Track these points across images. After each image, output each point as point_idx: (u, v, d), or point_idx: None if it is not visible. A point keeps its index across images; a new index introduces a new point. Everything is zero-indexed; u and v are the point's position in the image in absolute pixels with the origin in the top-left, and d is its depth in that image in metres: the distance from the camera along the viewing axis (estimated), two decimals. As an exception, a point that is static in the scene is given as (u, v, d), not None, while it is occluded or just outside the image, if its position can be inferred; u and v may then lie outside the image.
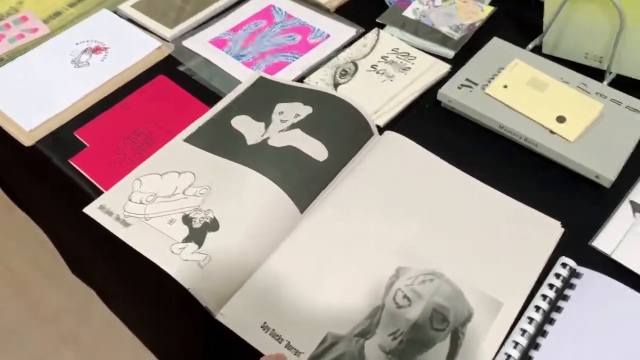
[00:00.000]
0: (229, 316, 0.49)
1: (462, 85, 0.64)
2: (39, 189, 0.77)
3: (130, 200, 0.56)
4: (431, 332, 0.47)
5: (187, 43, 0.74)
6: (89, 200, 0.58)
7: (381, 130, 0.63)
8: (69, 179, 0.61)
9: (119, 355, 1.21)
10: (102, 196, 0.58)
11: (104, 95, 0.69)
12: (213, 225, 0.52)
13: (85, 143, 0.63)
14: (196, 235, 0.51)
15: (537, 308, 0.47)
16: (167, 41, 0.75)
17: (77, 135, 0.64)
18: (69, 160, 0.62)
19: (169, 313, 0.66)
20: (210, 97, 0.68)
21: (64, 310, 1.27)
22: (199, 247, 0.50)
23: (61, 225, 0.86)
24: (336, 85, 0.67)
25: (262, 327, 0.48)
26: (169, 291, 0.53)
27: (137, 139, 0.63)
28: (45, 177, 0.70)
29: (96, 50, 0.74)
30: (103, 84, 0.69)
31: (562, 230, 0.53)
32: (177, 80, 0.70)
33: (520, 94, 0.62)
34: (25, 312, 1.27)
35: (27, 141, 0.64)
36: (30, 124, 0.65)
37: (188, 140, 0.62)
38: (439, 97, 0.64)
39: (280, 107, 0.63)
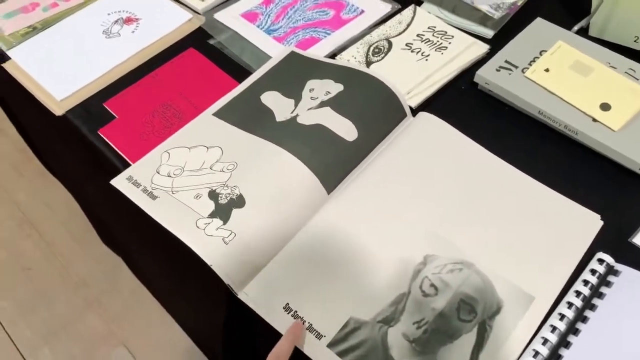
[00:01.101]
0: (252, 295, 0.48)
1: (501, 67, 0.61)
2: (69, 158, 0.78)
3: (158, 172, 0.56)
4: (457, 322, 0.45)
5: (218, 16, 0.73)
6: (117, 171, 0.58)
7: (414, 111, 0.61)
8: (97, 150, 0.62)
9: (143, 321, 1.23)
10: (130, 168, 0.57)
11: (134, 67, 0.68)
12: (239, 201, 0.51)
13: (114, 114, 0.63)
14: (222, 211, 0.51)
15: (570, 305, 0.45)
16: (199, 13, 0.74)
17: (106, 107, 0.64)
18: (98, 132, 0.62)
19: (194, 287, 0.66)
20: (240, 71, 0.67)
21: (92, 276, 1.30)
22: (224, 223, 0.50)
23: (91, 194, 0.87)
24: (369, 63, 0.65)
25: (284, 308, 0.47)
26: (194, 266, 0.53)
27: (166, 112, 0.63)
28: (75, 147, 0.70)
29: (127, 21, 0.73)
30: (133, 55, 0.69)
31: (602, 223, 0.50)
32: (207, 54, 0.69)
33: (563, 78, 0.59)
34: (53, 276, 1.30)
35: (58, 110, 0.64)
36: (61, 93, 0.65)
37: (217, 114, 0.61)
38: (476, 79, 0.62)
39: (311, 83, 0.62)
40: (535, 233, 0.50)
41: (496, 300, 0.46)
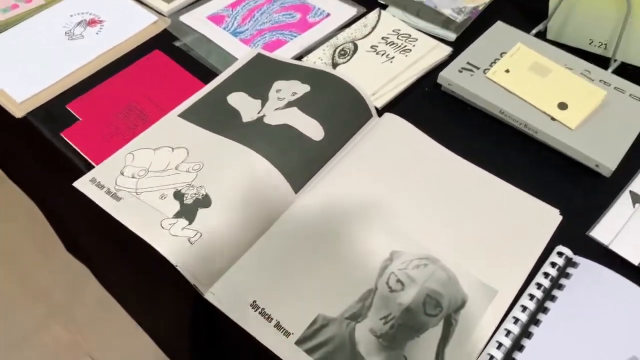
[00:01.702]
0: (218, 295, 0.48)
1: (463, 68, 0.63)
2: (31, 162, 0.76)
3: (122, 174, 0.55)
4: (423, 317, 0.46)
5: (184, 18, 0.73)
6: (80, 174, 0.57)
7: (380, 112, 0.62)
8: (60, 152, 0.60)
9: (110, 331, 1.21)
10: (93, 170, 0.56)
11: (98, 68, 0.67)
12: (205, 201, 0.51)
13: (78, 117, 0.62)
14: (187, 211, 0.50)
15: (531, 297, 0.46)
16: (164, 16, 0.73)
17: (69, 109, 0.63)
18: (61, 134, 0.61)
19: (161, 290, 0.65)
20: (206, 73, 0.66)
21: (55, 286, 1.27)
22: (190, 223, 0.49)
23: (54, 199, 0.85)
24: (335, 64, 0.66)
25: (251, 305, 0.47)
26: (160, 267, 0.52)
27: (130, 113, 0.62)
28: (37, 150, 0.69)
29: (91, 23, 0.72)
30: (97, 57, 0.68)
31: (561, 218, 0.52)
32: (172, 56, 0.68)
33: (522, 79, 0.60)
34: (14, 287, 1.26)
35: (17, 112, 0.63)
36: (21, 95, 0.64)
37: (183, 115, 0.61)
38: (439, 80, 0.63)
39: (277, 84, 0.62)
40: (498, 228, 0.51)
41: (461, 294, 0.47)
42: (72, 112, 0.63)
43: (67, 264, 1.25)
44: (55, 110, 0.63)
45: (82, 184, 0.55)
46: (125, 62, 0.68)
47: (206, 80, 0.65)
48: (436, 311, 0.46)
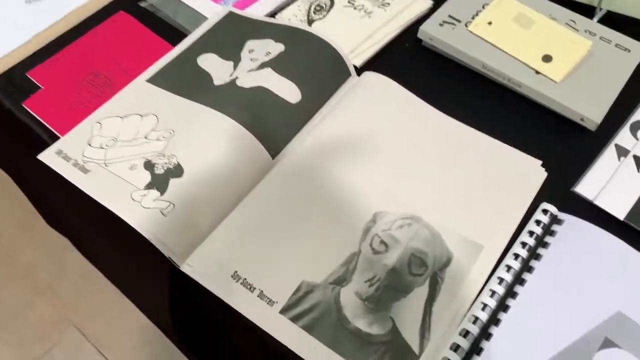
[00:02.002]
0: (196, 267, 0.46)
1: (444, 22, 0.60)
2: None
3: (89, 145, 0.52)
4: (409, 277, 0.45)
5: (150, -24, 0.68)
6: (46, 146, 0.54)
7: (358, 70, 0.59)
8: (23, 123, 0.57)
9: (95, 302, 1.20)
10: (58, 141, 0.54)
11: (59, 33, 0.63)
12: (177, 171, 0.49)
13: (40, 85, 0.59)
14: (159, 182, 0.48)
15: (516, 256, 0.45)
16: (128, -27, 0.69)
17: (30, 77, 0.60)
18: (22, 104, 0.57)
19: (138, 263, 0.63)
20: (174, 35, 0.63)
21: (39, 262, 1.25)
22: (162, 194, 0.47)
23: (26, 173, 0.82)
24: (310, 21, 0.63)
25: (232, 276, 0.46)
26: (136, 241, 0.51)
27: (95, 80, 0.59)
28: (1, 123, 0.65)
29: (50, -17, 0.67)
30: (58, 21, 0.64)
31: (546, 174, 0.51)
32: (138, 17, 0.65)
33: (506, 31, 0.58)
34: (-2, 266, 1.24)
35: (-25, 82, 0.59)
36: (-22, 63, 0.60)
37: (151, 80, 0.58)
38: (419, 35, 0.60)
39: (250, 44, 0.59)
40: (483, 184, 0.50)
41: (446, 252, 0.46)
42: (34, 80, 0.59)
43: (49, 238, 1.23)
44: (15, 79, 0.60)
45: (48, 157, 0.52)
46: (89, 25, 0.64)
47: (175, 42, 0.62)
48: (421, 270, 0.45)
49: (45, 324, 1.17)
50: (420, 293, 0.44)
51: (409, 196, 0.49)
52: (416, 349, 0.42)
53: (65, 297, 1.20)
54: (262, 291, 0.45)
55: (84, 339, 1.16)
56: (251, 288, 0.45)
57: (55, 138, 0.55)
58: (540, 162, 0.51)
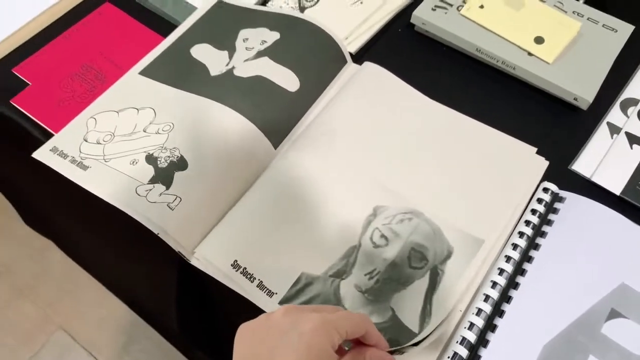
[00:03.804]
0: (202, 258, 0.46)
1: (437, 6, 0.60)
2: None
3: (85, 140, 0.51)
4: (409, 270, 0.45)
5: (133, -35, 0.67)
6: (37, 143, 0.52)
7: (353, 57, 0.59)
8: (12, 121, 0.55)
9: (81, 302, 1.17)
10: (53, 138, 0.52)
11: (43, 26, 0.62)
12: (181, 164, 0.48)
13: (27, 81, 0.57)
14: (163, 176, 0.47)
15: (521, 234, 0.46)
16: (110, -37, 0.67)
17: (16, 73, 0.58)
18: (11, 101, 0.55)
19: (139, 258, 0.62)
20: (164, 26, 0.62)
21: (18, 262, 1.21)
22: (167, 188, 0.47)
23: (11, 173, 0.80)
24: (302, 8, 0.62)
25: (232, 265, 0.45)
26: (137, 235, 0.50)
27: (86, 74, 0.57)
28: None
29: (29, -26, 0.65)
30: (41, 13, 0.62)
31: (547, 163, 0.51)
32: (124, 9, 0.63)
33: (497, 14, 0.59)
34: (-26, 268, 1.21)
35: (-42, 80, 0.57)
36: (-41, 60, 0.58)
37: (144, 73, 0.56)
38: (412, 20, 0.60)
39: (244, 33, 0.58)
40: (481, 176, 0.50)
41: (446, 246, 0.46)
42: (20, 76, 0.57)
43: (27, 239, 1.20)
44: (1, 76, 0.58)
45: (43, 155, 0.51)
46: (74, 17, 0.62)
47: (164, 33, 0.61)
48: (421, 264, 0.45)
49: (30, 326, 1.14)
50: (420, 285, 0.44)
51: (409, 189, 0.49)
52: (415, 329, 0.42)
53: (48, 297, 1.18)
54: (261, 281, 0.45)
55: (72, 340, 1.13)
56: (251, 278, 0.45)
57: (48, 135, 0.53)
58: (536, 149, 0.52)
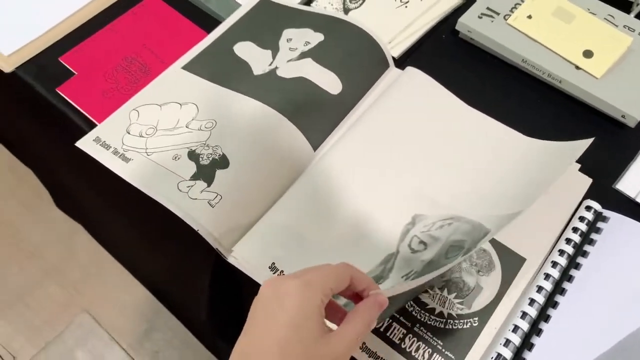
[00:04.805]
0: (240, 257, 0.46)
1: (483, 14, 0.59)
2: (22, 119, 0.72)
3: (128, 132, 0.52)
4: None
5: (180, -41, 0.67)
6: (81, 132, 0.53)
7: (396, 61, 0.59)
8: (57, 109, 0.56)
9: (106, 286, 1.19)
10: (96, 128, 0.53)
11: (90, 17, 0.62)
12: (222, 162, 0.48)
13: (73, 70, 0.58)
14: (205, 173, 0.48)
15: (562, 252, 0.45)
16: (157, -44, 0.68)
17: (62, 62, 0.59)
18: (57, 90, 0.56)
19: (171, 251, 0.63)
20: (207, 21, 0.62)
21: (47, 244, 1.24)
22: (209, 185, 0.47)
23: (49, 157, 0.81)
24: (346, 10, 0.62)
25: (270, 267, 0.46)
26: (172, 229, 0.50)
27: (130, 67, 0.58)
28: (28, 107, 0.64)
29: (77, -35, 0.66)
30: (88, 3, 0.63)
31: (590, 180, 0.50)
32: (169, 2, 0.64)
33: (546, 25, 0.58)
34: (5, 248, 1.23)
35: (6, 67, 0.58)
36: (8, 47, 0.59)
37: (187, 67, 0.57)
38: (457, 27, 0.60)
39: (288, 33, 0.58)
40: (523, 189, 0.49)
41: (483, 230, 0.45)
42: (66, 65, 0.58)
43: (56, 222, 1.22)
44: (47, 64, 0.59)
45: (86, 144, 0.52)
46: (119, 8, 0.63)
47: (208, 29, 0.61)
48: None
49: (55, 307, 1.16)
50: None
51: (448, 199, 0.49)
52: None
53: (74, 280, 1.20)
54: None
55: (96, 323, 1.15)
56: None
57: (90, 124, 0.54)
58: (579, 165, 0.51)
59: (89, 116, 0.55)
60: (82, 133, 0.53)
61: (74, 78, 0.57)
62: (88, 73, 0.57)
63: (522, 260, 0.46)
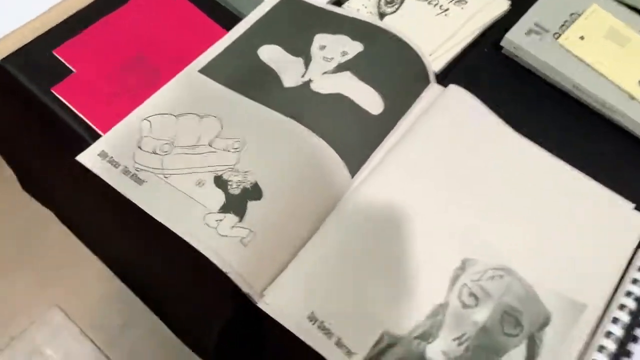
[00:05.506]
0: (272, 303, 0.41)
1: (531, 30, 0.55)
2: (7, 120, 0.63)
3: (140, 147, 0.45)
4: (502, 337, 0.41)
5: (193, -60, 0.59)
6: (80, 141, 0.46)
7: (437, 77, 0.53)
8: (51, 111, 0.49)
9: (77, 278, 1.12)
10: (101, 140, 0.46)
11: (88, 2, 0.54)
12: (255, 192, 0.42)
13: (71, 67, 0.50)
14: (235, 204, 0.42)
15: (622, 307, 0.42)
16: None
17: (57, 55, 0.51)
18: (51, 89, 0.49)
19: (192, 291, 0.56)
20: (225, 17, 0.55)
21: (13, 233, 1.14)
22: (240, 220, 0.41)
23: (38, 169, 0.72)
24: (382, 14, 0.56)
25: (308, 317, 0.40)
26: (192, 268, 0.44)
27: (139, 66, 0.51)
28: (16, 107, 0.56)
29: (73, -63, 0.57)
30: (87, -14, 0.54)
31: None
32: (181, -9, 0.56)
33: (599, 48, 0.53)
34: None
35: (-11, 57, 0.50)
36: (-7, 33, 0.50)
37: (204, 71, 0.50)
38: (503, 43, 0.55)
39: (320, 39, 0.52)
40: (578, 232, 0.45)
41: (543, 311, 0.42)
42: (62, 60, 0.50)
43: (23, 207, 1.13)
44: (39, 57, 0.51)
45: (89, 159, 0.45)
46: (123, -4, 0.55)
47: (226, 25, 0.54)
48: (516, 331, 0.41)
49: (24, 301, 1.08)
50: (516, 356, 0.40)
51: (500, 242, 0.44)
52: None
53: (44, 272, 1.11)
54: (339, 338, 0.40)
55: (67, 317, 1.08)
56: (328, 334, 0.40)
57: (91, 131, 0.47)
58: (633, 205, 0.48)
59: (89, 123, 0.48)
60: (82, 142, 0.46)
61: (72, 76, 0.49)
62: (89, 71, 0.50)
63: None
